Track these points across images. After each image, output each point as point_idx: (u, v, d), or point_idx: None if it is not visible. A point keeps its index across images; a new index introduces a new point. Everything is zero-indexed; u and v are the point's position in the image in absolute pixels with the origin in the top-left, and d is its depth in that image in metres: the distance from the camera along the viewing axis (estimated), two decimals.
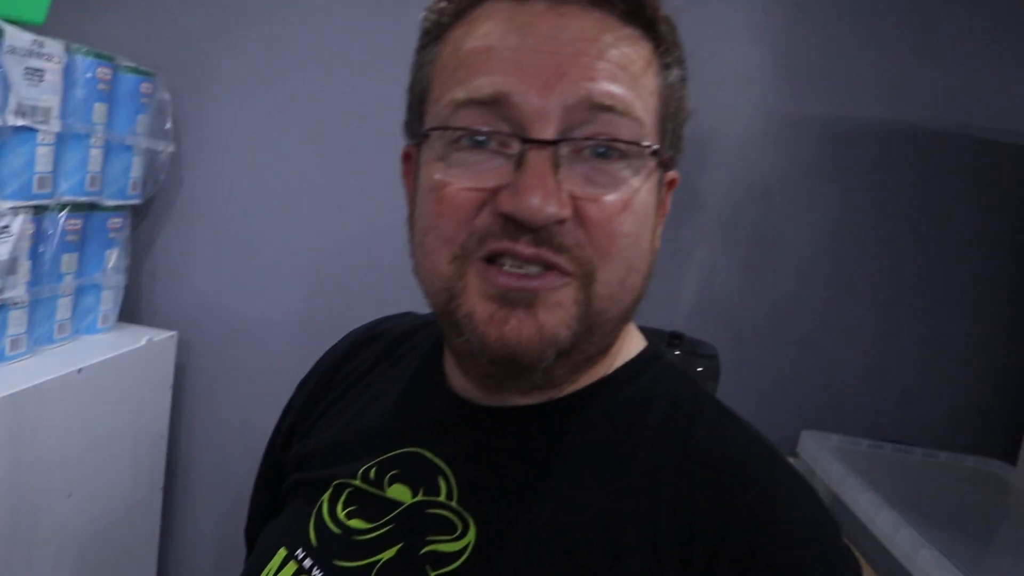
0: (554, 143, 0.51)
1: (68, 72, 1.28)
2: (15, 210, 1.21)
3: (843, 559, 0.53)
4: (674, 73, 0.57)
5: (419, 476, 0.59)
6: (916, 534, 1.16)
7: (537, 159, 0.50)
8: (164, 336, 1.56)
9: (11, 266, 1.22)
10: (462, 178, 0.53)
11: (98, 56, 1.35)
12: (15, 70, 1.17)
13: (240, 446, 1.66)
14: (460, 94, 0.52)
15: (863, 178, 1.54)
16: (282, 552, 0.61)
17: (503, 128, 0.52)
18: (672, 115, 0.57)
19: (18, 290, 1.25)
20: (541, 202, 0.49)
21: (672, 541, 0.52)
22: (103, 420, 1.39)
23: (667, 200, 0.61)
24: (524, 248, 0.51)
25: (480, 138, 0.52)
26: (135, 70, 1.46)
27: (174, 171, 1.61)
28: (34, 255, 1.28)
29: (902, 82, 1.50)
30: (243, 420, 1.66)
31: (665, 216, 0.60)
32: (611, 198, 0.52)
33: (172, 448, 1.67)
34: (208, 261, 1.65)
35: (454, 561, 0.54)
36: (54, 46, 1.24)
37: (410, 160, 0.61)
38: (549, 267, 0.52)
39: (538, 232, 0.51)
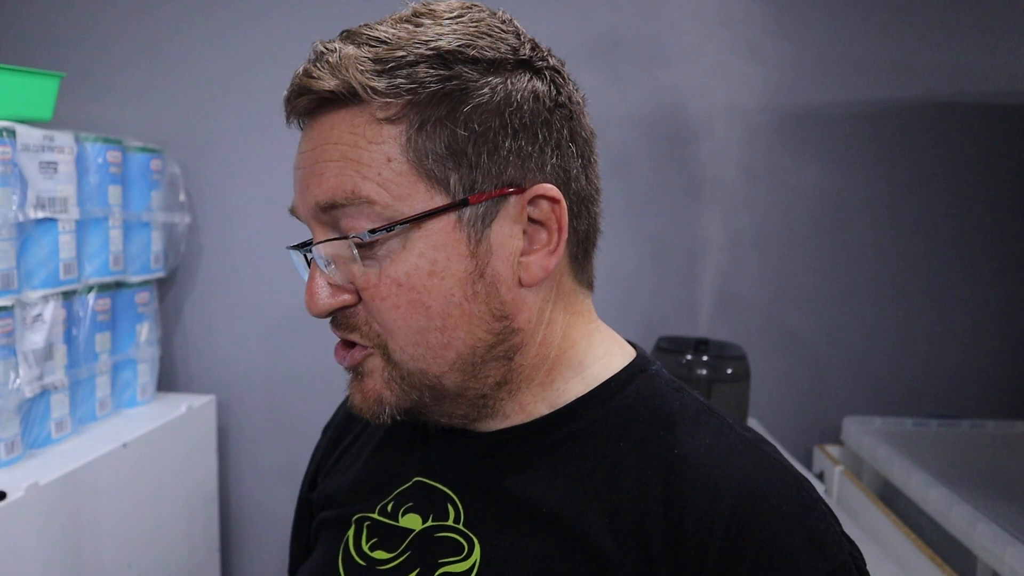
0: (301, 247, 0.61)
1: (80, 160, 1.34)
2: (45, 298, 1.26)
3: (833, 541, 0.54)
4: (439, 109, 0.55)
5: (429, 503, 0.63)
6: (971, 509, 1.14)
7: (312, 263, 0.60)
8: (203, 401, 1.60)
9: (48, 352, 1.26)
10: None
11: (106, 141, 1.40)
12: (30, 166, 1.22)
13: (290, 498, 1.68)
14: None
15: (876, 160, 1.54)
16: None
17: None
18: (460, 150, 0.55)
19: (57, 374, 1.29)
20: (309, 303, 0.59)
21: (663, 546, 0.54)
22: (154, 490, 1.43)
23: (561, 216, 0.58)
24: (336, 331, 0.61)
25: None
26: (144, 149, 1.51)
27: (193, 240, 1.66)
28: (68, 338, 1.33)
29: (896, 61, 1.50)
30: (291, 472, 1.68)
31: (561, 236, 0.58)
32: (373, 280, 0.57)
33: (224, 508, 1.70)
34: (236, 322, 1.69)
35: None
36: (64, 138, 1.29)
37: None
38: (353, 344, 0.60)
39: (335, 320, 0.60)
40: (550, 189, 0.57)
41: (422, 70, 0.54)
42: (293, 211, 0.61)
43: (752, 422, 1.49)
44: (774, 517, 0.53)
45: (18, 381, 1.19)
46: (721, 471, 0.55)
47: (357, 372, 0.61)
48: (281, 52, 1.54)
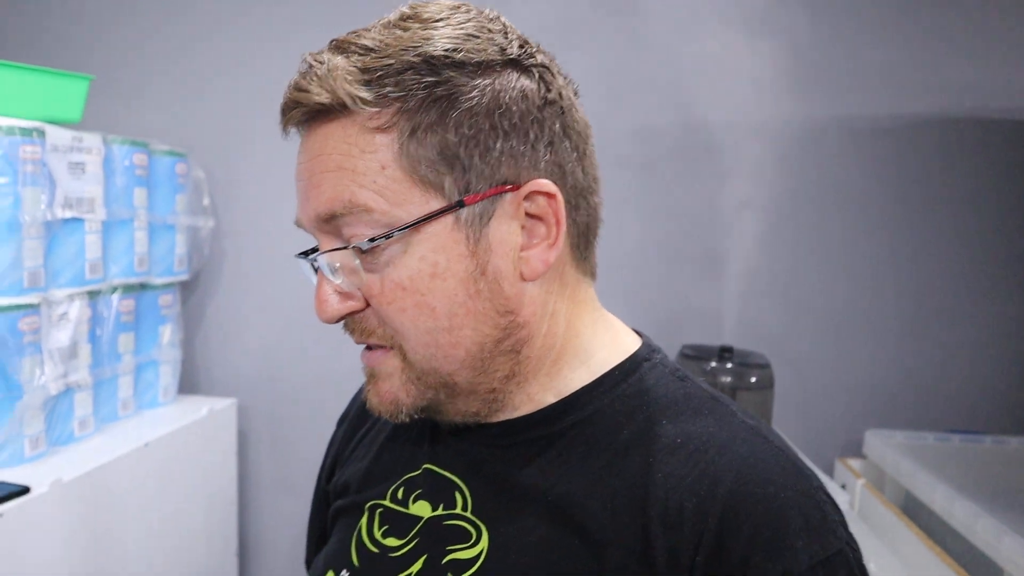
0: (306, 255, 0.62)
1: (107, 162, 1.35)
2: (71, 297, 1.27)
3: (829, 529, 0.55)
4: (429, 115, 0.55)
5: (438, 492, 0.65)
6: (997, 522, 1.13)
7: (320, 271, 0.60)
8: (224, 404, 1.60)
9: (72, 351, 1.28)
10: None
11: (133, 143, 1.42)
12: (59, 166, 1.24)
13: (307, 501, 1.68)
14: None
15: (899, 173, 1.53)
16: (330, 575, 0.67)
17: None
18: (452, 154, 0.55)
19: (81, 373, 1.30)
20: (318, 310, 0.59)
21: (661, 529, 0.55)
22: (174, 491, 1.43)
23: (558, 210, 0.58)
24: (353, 338, 0.62)
25: None
26: (169, 152, 1.52)
27: (216, 244, 1.67)
28: (93, 338, 1.34)
29: (913, 76, 1.50)
30: (308, 476, 1.67)
31: (559, 229, 0.59)
32: (377, 286, 0.58)
33: (243, 512, 1.70)
34: (258, 326, 1.70)
35: (471, 567, 0.59)
36: (92, 139, 1.31)
37: None
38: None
39: (349, 325, 0.61)
40: (544, 184, 0.58)
41: (410, 77, 0.55)
42: (297, 222, 0.62)
43: None
44: (770, 503, 0.54)
45: (43, 378, 1.21)
46: (722, 457, 0.56)
47: (373, 375, 0.62)
48: None
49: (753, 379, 1.23)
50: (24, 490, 1.08)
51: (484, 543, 0.60)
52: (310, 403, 1.69)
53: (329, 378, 1.66)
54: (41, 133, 1.20)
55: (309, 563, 0.84)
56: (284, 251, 1.65)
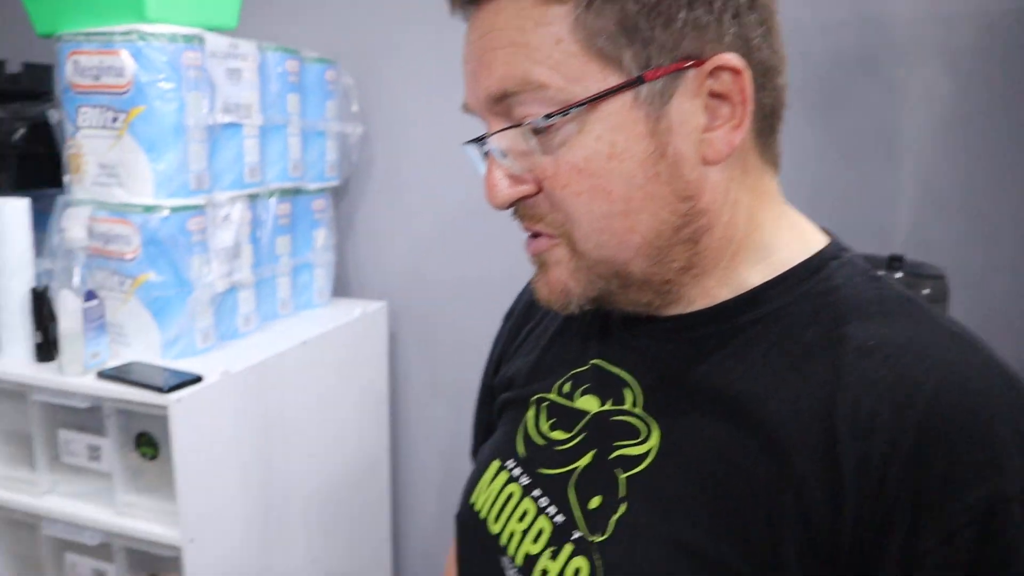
0: (477, 141, 0.59)
1: (262, 69, 1.38)
2: (233, 199, 1.33)
3: None
4: None
5: (606, 388, 0.63)
6: None
7: (490, 156, 0.58)
8: (376, 307, 1.66)
9: (235, 251, 1.34)
10: None
11: (286, 51, 1.44)
12: (218, 71, 1.28)
13: (455, 402, 1.74)
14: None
15: None
16: (495, 464, 0.68)
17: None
18: (632, 24, 0.51)
19: (244, 272, 1.37)
20: (489, 195, 0.58)
21: (850, 434, 0.50)
22: (330, 387, 1.51)
23: (745, 87, 0.53)
24: (521, 224, 0.60)
25: None
26: (319, 60, 1.54)
27: (365, 151, 1.70)
28: (253, 239, 1.40)
29: None
30: (456, 377, 1.73)
31: (746, 109, 0.54)
32: (551, 168, 0.55)
33: (394, 409, 1.78)
34: (407, 232, 1.73)
35: (640, 463, 0.58)
36: (247, 47, 1.34)
37: None
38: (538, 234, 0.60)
39: (519, 211, 0.59)
40: (731, 59, 0.52)
41: None
42: (466, 107, 0.60)
43: None
44: (978, 415, 0.48)
45: (211, 275, 1.28)
46: (921, 362, 0.50)
47: (542, 263, 0.60)
48: None
49: (926, 291, 1.13)
50: (197, 379, 1.17)
51: (655, 440, 0.58)
52: (458, 306, 1.71)
53: (477, 283, 1.68)
54: (201, 40, 1.24)
55: (475, 454, 0.86)
56: (432, 156, 1.67)
